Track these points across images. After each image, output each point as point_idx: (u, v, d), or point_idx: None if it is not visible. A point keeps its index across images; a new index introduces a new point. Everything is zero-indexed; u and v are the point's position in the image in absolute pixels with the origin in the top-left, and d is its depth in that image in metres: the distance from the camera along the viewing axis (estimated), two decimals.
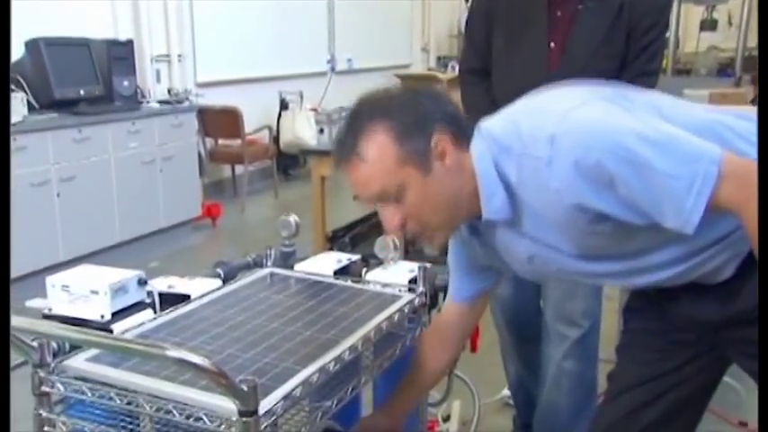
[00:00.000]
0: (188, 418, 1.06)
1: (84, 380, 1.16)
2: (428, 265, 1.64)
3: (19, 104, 3.84)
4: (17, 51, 4.11)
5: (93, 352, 1.19)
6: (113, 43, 4.66)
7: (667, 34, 4.70)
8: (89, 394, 1.14)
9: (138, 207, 4.56)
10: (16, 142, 3.67)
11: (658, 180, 1.05)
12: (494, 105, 1.35)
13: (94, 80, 4.46)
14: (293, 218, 1.75)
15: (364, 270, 1.69)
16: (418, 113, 1.20)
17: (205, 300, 1.50)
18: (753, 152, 1.10)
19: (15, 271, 3.16)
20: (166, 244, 4.76)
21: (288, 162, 6.67)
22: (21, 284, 2.87)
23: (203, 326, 1.37)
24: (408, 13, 8.70)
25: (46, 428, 1.16)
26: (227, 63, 6.07)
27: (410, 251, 4.27)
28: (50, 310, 1.34)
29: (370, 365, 1.41)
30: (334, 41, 7.48)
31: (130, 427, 1.16)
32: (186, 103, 5.16)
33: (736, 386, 2.24)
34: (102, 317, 1.32)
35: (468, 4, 2.27)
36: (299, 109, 6.43)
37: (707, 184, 1.04)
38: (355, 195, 1.26)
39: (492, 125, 1.23)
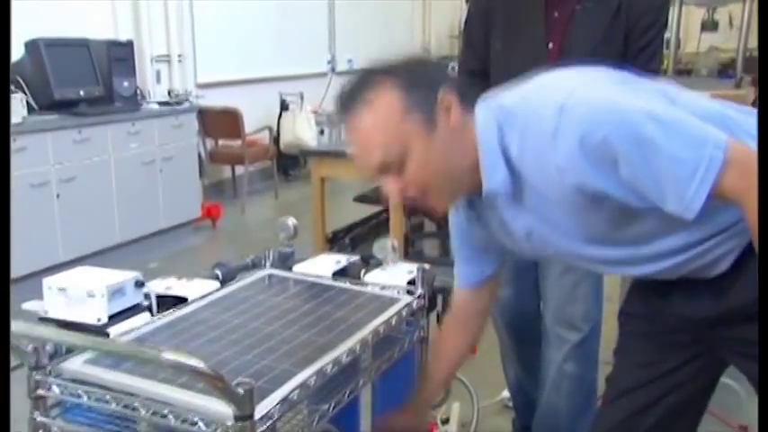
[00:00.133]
0: (183, 422, 1.06)
1: (81, 383, 1.15)
2: (427, 266, 1.63)
3: (18, 105, 3.84)
4: (17, 52, 4.10)
5: (90, 354, 1.19)
6: (113, 44, 4.65)
7: (668, 35, 4.71)
8: (85, 398, 1.13)
9: (138, 208, 4.55)
10: (16, 143, 3.66)
11: (663, 162, 1.04)
12: None
13: (94, 81, 4.46)
14: (291, 220, 1.74)
15: (363, 271, 1.68)
16: (425, 73, 1.21)
17: (203, 302, 1.49)
18: (754, 146, 1.09)
19: (15, 272, 3.15)
20: (166, 245, 4.76)
21: (288, 163, 6.67)
22: (20, 285, 2.86)
23: (200, 328, 1.36)
24: (409, 13, 8.69)
25: None
26: (227, 64, 6.07)
27: (410, 252, 4.29)
28: (47, 312, 1.33)
29: (368, 368, 1.41)
30: (334, 42, 7.48)
31: (127, 431, 1.15)
32: (186, 104, 5.15)
33: (737, 388, 2.23)
34: (99, 320, 1.31)
35: (467, 6, 2.27)
36: (300, 110, 6.43)
37: (711, 170, 1.03)
38: (362, 168, 1.23)
39: (498, 96, 1.22)
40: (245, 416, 1.00)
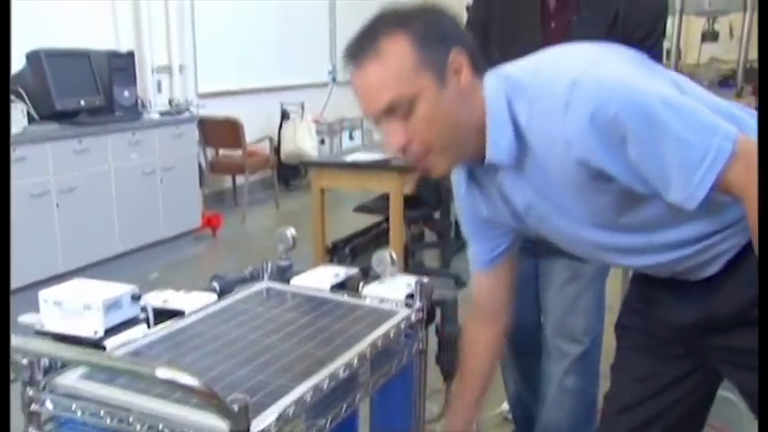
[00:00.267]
0: None
1: (75, 398, 1.14)
2: (425, 279, 1.62)
3: (19, 115, 3.85)
4: (18, 63, 4.11)
5: (86, 368, 1.18)
6: (114, 55, 4.67)
7: (669, 45, 4.71)
8: (79, 413, 1.12)
9: (138, 218, 4.56)
10: (15, 153, 3.67)
11: (672, 144, 1.04)
12: None
13: (95, 91, 4.47)
14: (290, 231, 1.73)
15: (361, 284, 1.67)
16: (439, 28, 1.17)
17: (200, 315, 1.48)
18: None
19: (14, 282, 3.14)
20: (167, 255, 4.75)
21: (289, 173, 6.67)
22: (19, 296, 2.84)
23: (197, 342, 1.36)
24: None
25: None
26: (228, 73, 6.09)
27: (410, 263, 4.28)
28: (43, 326, 1.33)
29: (366, 382, 1.39)
30: (335, 52, 7.49)
31: None
32: (187, 114, 5.16)
33: (737, 401, 2.22)
34: (96, 333, 1.30)
35: (466, 17, 2.27)
36: (301, 119, 6.44)
37: (719, 159, 1.03)
38: (366, 113, 1.19)
39: (509, 67, 1.21)
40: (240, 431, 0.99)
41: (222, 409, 0.97)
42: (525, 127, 1.15)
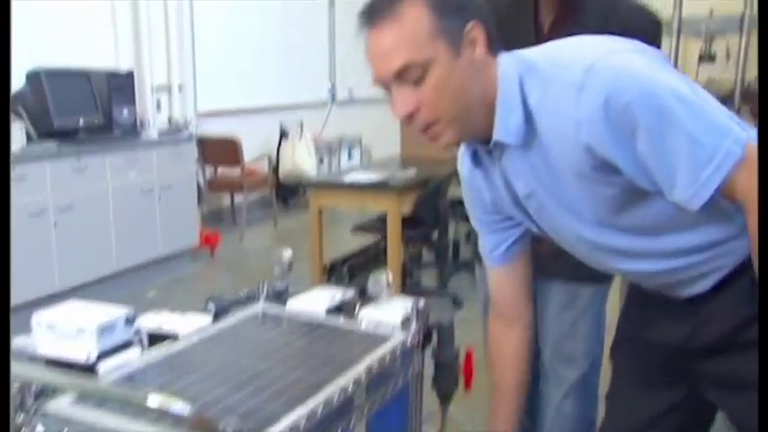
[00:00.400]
0: None
1: (67, 422, 1.13)
2: (422, 301, 1.61)
3: (18, 134, 3.85)
4: (18, 82, 4.13)
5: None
6: (114, 75, 4.69)
7: None
8: None
9: (136, 236, 4.55)
10: (15, 171, 3.67)
11: (682, 140, 1.04)
12: None
13: (94, 110, 4.49)
14: (287, 254, 1.73)
15: (357, 307, 1.66)
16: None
17: (194, 338, 1.48)
18: None
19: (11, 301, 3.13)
20: (164, 273, 4.75)
21: (287, 191, 6.68)
22: (16, 315, 2.84)
23: (191, 366, 1.35)
24: None
25: None
26: (227, 92, 6.12)
27: (408, 283, 4.27)
28: (35, 349, 1.32)
29: (361, 406, 1.38)
30: (334, 71, 7.53)
31: None
32: (186, 133, 5.18)
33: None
34: (89, 357, 1.29)
35: None
36: (299, 138, 6.46)
37: (727, 162, 1.03)
38: (377, 76, 1.18)
39: (525, 51, 1.21)
40: None
41: None
42: (535, 108, 1.15)
